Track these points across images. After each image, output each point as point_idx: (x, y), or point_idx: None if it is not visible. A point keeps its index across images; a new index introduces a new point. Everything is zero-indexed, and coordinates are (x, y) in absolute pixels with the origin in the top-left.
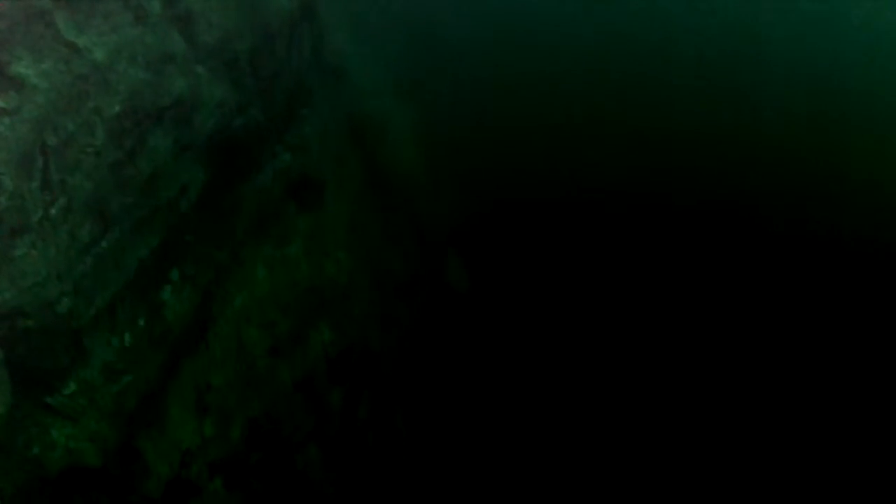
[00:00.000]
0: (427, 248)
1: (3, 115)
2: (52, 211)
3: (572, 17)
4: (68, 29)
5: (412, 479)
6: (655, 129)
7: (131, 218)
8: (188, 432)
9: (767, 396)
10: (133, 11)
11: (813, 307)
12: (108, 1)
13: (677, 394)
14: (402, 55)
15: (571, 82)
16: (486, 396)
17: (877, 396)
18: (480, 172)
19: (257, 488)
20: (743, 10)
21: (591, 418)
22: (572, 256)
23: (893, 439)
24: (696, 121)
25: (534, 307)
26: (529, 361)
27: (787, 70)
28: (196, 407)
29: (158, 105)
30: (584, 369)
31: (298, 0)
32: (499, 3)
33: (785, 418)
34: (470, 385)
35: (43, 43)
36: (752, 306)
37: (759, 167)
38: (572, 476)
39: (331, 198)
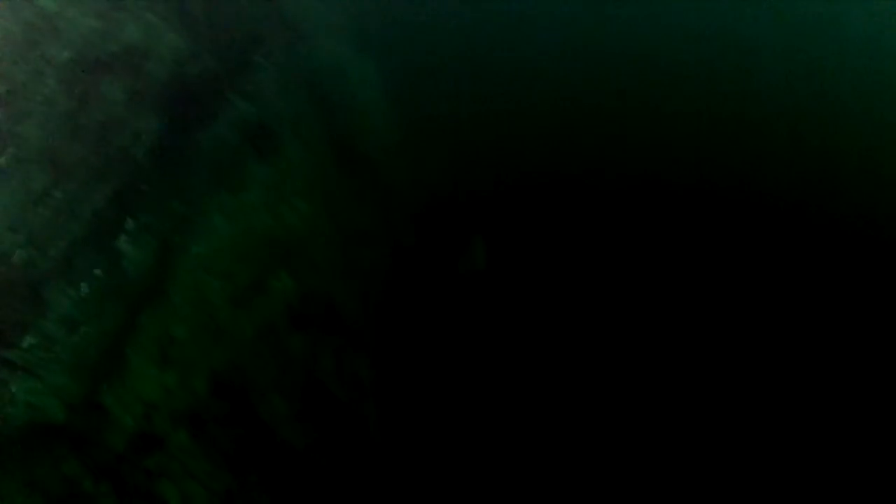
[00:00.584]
0: (391, 205)
1: None
2: (3, 161)
3: None
4: None
5: (377, 427)
6: (640, 105)
7: (85, 167)
8: (151, 384)
9: (770, 382)
10: None
11: (815, 295)
12: None
13: (677, 381)
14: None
15: (552, 30)
16: (453, 349)
17: (880, 386)
18: (449, 133)
19: (222, 440)
20: None
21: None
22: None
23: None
24: (694, 102)
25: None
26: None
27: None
28: (158, 358)
29: (110, 53)
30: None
31: None
32: None
33: (786, 406)
34: (436, 337)
35: None
36: (755, 291)
37: (759, 151)
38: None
39: (288, 147)
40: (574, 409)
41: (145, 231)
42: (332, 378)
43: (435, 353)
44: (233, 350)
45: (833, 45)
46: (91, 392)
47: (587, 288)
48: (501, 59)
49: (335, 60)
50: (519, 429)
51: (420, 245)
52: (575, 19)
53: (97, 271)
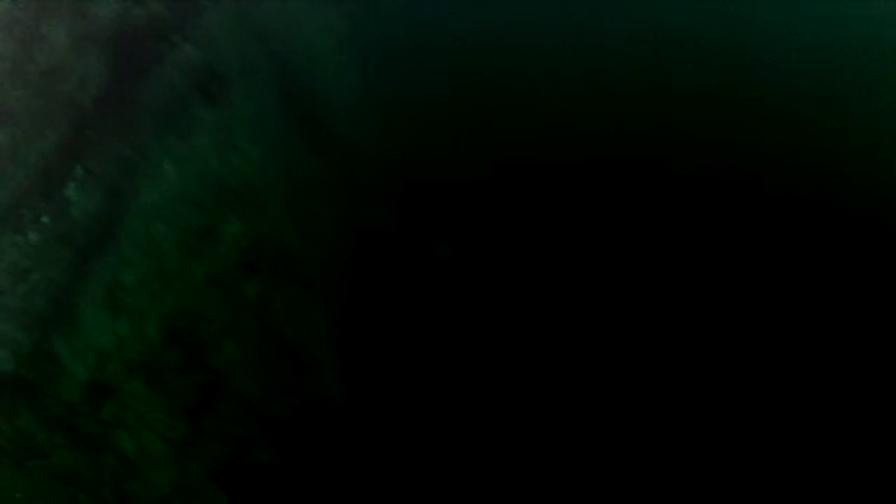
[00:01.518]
0: (348, 162)
1: None
2: None
3: None
4: None
5: (332, 373)
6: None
7: (29, 114)
8: (102, 333)
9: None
10: None
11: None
12: None
13: (671, 370)
14: None
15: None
16: (410, 294)
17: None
18: (421, 103)
19: (176, 388)
20: None
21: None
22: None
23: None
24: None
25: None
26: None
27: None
28: (109, 306)
29: None
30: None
31: None
32: None
33: (789, 397)
34: (391, 282)
35: None
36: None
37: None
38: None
39: (238, 94)
40: (541, 386)
41: (93, 177)
42: (286, 324)
43: (389, 298)
44: (184, 297)
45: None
46: (41, 341)
47: (571, 270)
48: (490, 24)
49: (297, 12)
50: (479, 375)
51: (376, 197)
52: None
53: (45, 219)
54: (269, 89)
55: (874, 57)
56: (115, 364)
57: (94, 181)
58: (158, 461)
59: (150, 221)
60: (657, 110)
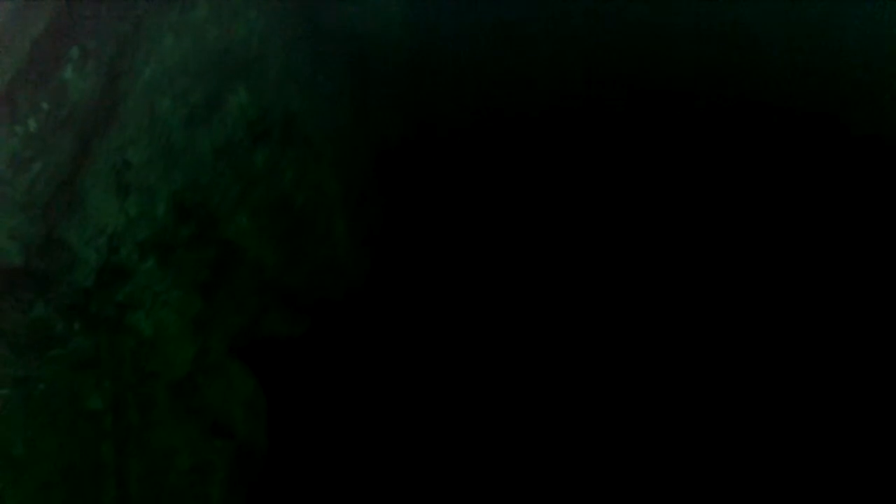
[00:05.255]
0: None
1: None
2: None
3: None
4: None
5: (345, 238)
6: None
7: None
8: (111, 214)
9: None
10: None
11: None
12: None
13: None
14: None
15: None
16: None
17: None
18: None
19: (191, 264)
20: None
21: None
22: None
23: None
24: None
25: None
26: None
27: None
28: (117, 187)
29: None
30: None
31: None
32: None
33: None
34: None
35: None
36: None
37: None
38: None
39: None
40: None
41: (91, 57)
42: (297, 192)
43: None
44: (193, 171)
45: None
46: (50, 230)
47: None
48: None
49: None
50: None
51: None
52: None
53: (44, 105)
54: None
55: None
56: (128, 245)
57: (93, 61)
58: (177, 339)
59: (154, 98)
60: None
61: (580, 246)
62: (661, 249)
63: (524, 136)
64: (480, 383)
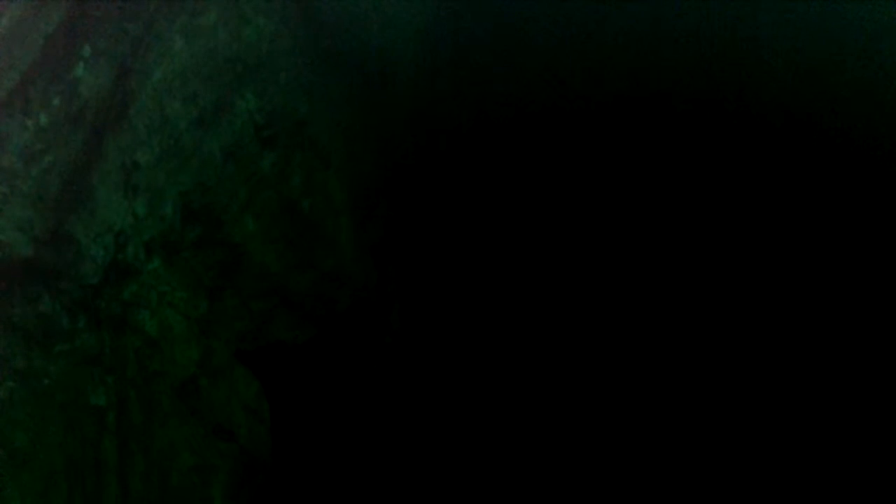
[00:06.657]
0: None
1: None
2: None
3: None
4: None
5: (350, 243)
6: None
7: None
8: (119, 213)
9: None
10: None
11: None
12: None
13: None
14: None
15: None
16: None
17: None
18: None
19: (196, 265)
20: None
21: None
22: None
23: None
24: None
25: None
26: None
27: None
28: (124, 186)
29: None
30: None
31: None
32: None
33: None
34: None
35: None
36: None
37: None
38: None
39: None
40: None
41: (102, 56)
42: (304, 198)
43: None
44: (201, 173)
45: None
46: (58, 224)
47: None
48: None
49: None
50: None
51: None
52: None
53: (55, 101)
54: None
55: None
56: (135, 244)
57: (104, 60)
58: (182, 340)
59: (164, 99)
60: None
61: (592, 256)
62: (673, 255)
63: (530, 144)
64: (485, 389)
